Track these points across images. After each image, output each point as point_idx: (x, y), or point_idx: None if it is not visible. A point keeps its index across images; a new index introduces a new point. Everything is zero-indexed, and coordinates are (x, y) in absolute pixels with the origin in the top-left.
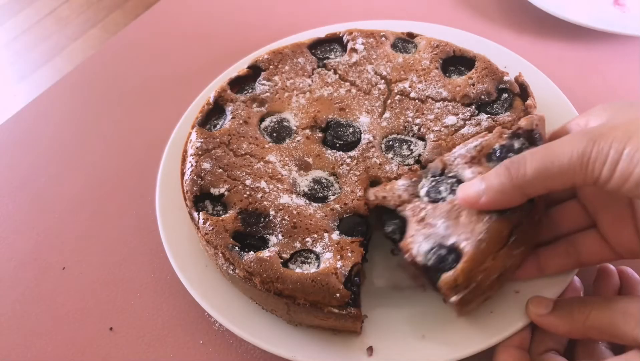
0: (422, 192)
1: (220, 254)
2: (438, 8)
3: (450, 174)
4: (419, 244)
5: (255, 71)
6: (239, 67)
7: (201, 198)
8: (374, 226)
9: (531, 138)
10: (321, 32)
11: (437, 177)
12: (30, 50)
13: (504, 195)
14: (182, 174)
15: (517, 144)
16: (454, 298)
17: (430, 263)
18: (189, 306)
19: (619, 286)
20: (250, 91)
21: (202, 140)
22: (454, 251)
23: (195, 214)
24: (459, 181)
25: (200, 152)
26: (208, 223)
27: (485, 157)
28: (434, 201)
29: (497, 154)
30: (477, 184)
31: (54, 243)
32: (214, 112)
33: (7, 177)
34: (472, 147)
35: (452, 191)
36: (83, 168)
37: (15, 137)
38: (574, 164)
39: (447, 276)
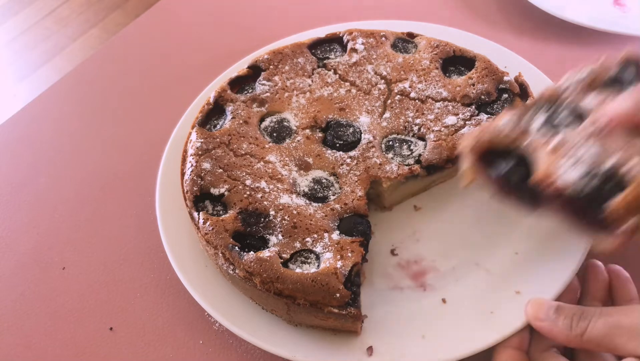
0: (537, 124)
1: (220, 254)
2: (438, 8)
3: (564, 103)
4: (564, 173)
5: (255, 70)
6: (239, 67)
7: (201, 198)
8: (473, 177)
9: None
10: (321, 32)
11: (550, 107)
12: (30, 51)
13: None
14: (182, 174)
15: (629, 73)
16: (630, 222)
17: (587, 190)
18: (189, 306)
19: (607, 282)
20: (250, 91)
21: (202, 140)
22: (615, 176)
23: (195, 214)
24: (576, 109)
25: (200, 152)
26: (208, 223)
27: (602, 84)
28: (556, 130)
29: (616, 79)
30: (626, 98)
31: (54, 243)
32: (214, 112)
33: (7, 177)
34: (585, 76)
35: (575, 119)
36: (83, 168)
37: (15, 137)
38: None
39: (620, 200)
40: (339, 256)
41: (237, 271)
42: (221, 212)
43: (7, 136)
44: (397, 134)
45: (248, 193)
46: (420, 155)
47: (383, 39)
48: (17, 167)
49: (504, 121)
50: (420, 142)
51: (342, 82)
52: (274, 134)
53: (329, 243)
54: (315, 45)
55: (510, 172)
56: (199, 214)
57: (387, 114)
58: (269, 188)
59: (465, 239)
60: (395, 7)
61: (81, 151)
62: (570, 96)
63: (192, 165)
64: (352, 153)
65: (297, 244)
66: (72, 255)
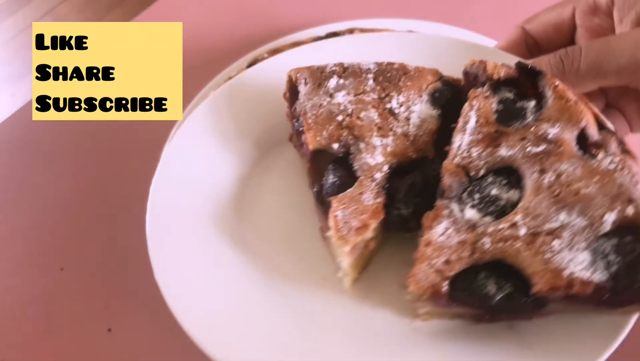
0: (470, 215)
1: None
2: (440, 7)
3: (480, 175)
4: (573, 263)
5: None
6: (239, 67)
7: None
8: None
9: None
10: (321, 31)
11: (468, 189)
12: (29, 49)
13: None
14: None
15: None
16: None
17: (620, 275)
18: None
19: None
20: None
21: None
22: (629, 232)
23: None
24: (500, 173)
25: None
26: None
27: (494, 140)
28: (499, 211)
29: (501, 118)
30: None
31: (53, 243)
32: None
33: (5, 177)
34: (474, 129)
35: (509, 184)
36: (82, 167)
37: (15, 137)
38: (635, 65)
39: None
40: None
41: None
42: None
43: (5, 136)
44: None
45: None
46: None
47: None
48: (14, 166)
49: (434, 235)
50: None
51: None
52: None
53: None
54: None
55: (501, 295)
56: None
57: None
58: None
59: None
60: (396, 6)
61: (80, 150)
62: (478, 160)
63: None
64: None
65: None
66: (70, 256)
